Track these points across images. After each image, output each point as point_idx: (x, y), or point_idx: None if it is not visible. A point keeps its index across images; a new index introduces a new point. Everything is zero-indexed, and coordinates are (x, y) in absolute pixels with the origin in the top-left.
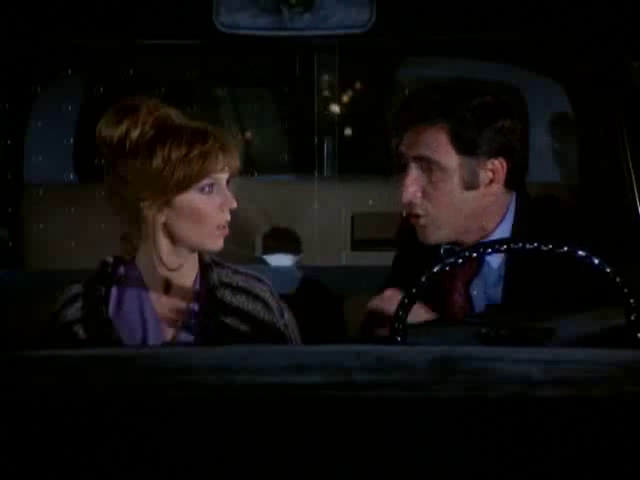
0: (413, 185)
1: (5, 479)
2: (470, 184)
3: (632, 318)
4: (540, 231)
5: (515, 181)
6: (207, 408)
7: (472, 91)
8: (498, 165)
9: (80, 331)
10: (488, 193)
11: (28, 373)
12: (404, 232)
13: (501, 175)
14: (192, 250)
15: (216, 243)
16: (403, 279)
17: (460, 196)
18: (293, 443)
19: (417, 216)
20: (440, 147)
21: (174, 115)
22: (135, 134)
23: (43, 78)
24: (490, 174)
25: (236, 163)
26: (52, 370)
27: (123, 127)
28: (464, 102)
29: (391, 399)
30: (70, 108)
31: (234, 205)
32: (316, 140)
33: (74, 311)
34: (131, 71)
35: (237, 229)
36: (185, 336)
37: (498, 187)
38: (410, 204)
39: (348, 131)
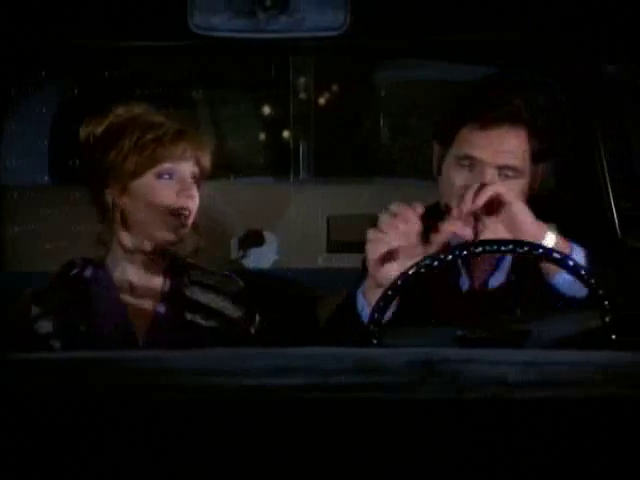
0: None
1: (5, 479)
2: (532, 190)
3: (607, 320)
4: None
5: None
6: (187, 410)
7: (543, 94)
8: (539, 171)
9: (45, 326)
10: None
11: (28, 373)
12: None
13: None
14: (151, 240)
15: (170, 234)
16: None
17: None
18: (273, 445)
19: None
20: (521, 154)
21: (144, 112)
22: (99, 130)
23: (18, 80)
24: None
25: (206, 158)
26: (52, 370)
27: (89, 127)
28: (539, 106)
29: (370, 401)
30: (45, 110)
31: (193, 194)
32: (292, 143)
33: (39, 308)
34: (106, 73)
35: (213, 231)
36: (156, 335)
37: None
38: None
39: (324, 133)
